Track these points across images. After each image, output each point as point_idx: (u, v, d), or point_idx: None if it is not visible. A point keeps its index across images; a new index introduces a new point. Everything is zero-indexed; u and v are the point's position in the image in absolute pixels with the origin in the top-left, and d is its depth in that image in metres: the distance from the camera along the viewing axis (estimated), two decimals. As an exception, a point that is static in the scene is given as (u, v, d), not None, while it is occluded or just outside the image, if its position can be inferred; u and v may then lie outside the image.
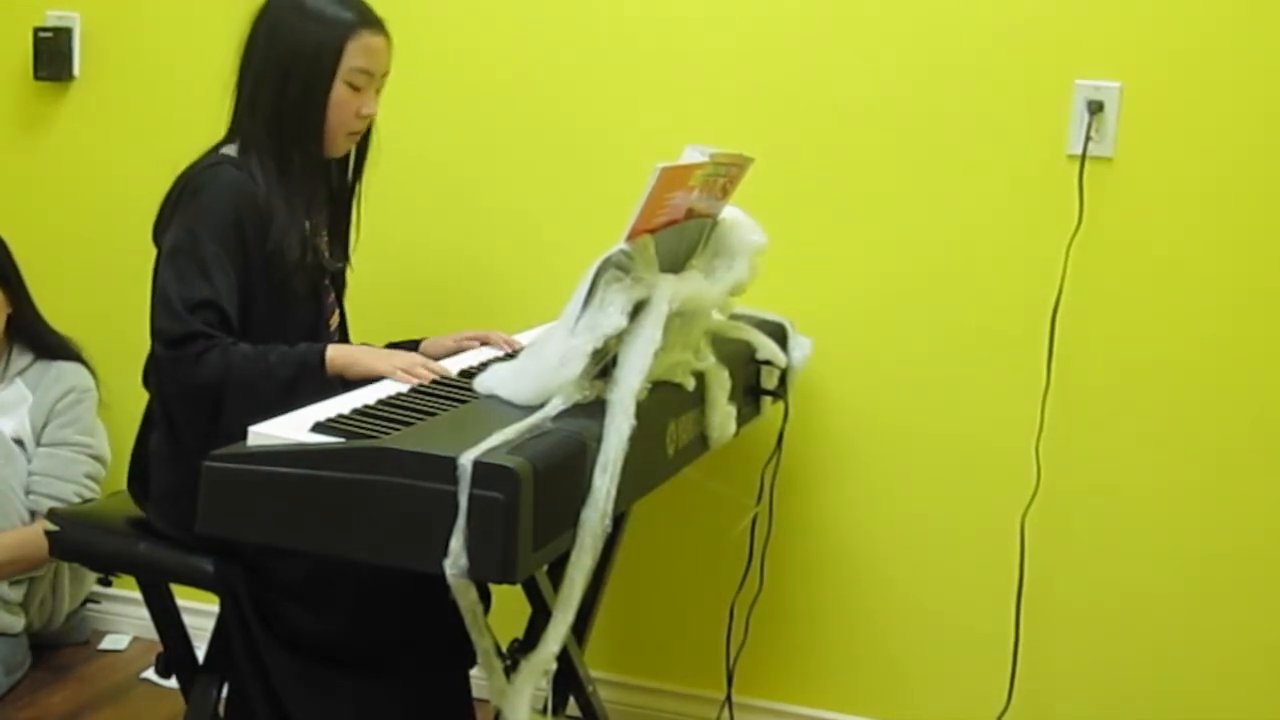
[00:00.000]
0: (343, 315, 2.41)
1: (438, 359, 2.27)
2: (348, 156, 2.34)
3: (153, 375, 2.17)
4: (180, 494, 2.06)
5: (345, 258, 2.38)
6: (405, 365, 2.06)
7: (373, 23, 2.23)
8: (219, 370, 2.03)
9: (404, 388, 2.00)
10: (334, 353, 2.10)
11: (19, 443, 2.87)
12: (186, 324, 2.04)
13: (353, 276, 2.44)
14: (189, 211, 2.12)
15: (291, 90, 2.18)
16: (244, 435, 1.74)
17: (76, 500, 2.82)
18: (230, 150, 2.21)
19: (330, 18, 2.19)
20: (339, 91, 2.20)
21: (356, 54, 2.20)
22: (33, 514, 2.82)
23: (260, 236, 2.14)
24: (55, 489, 2.85)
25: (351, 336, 2.44)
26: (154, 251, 2.17)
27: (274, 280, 2.16)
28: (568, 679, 2.45)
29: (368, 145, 2.35)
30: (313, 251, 2.24)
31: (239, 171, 2.16)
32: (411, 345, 2.40)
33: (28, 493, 2.85)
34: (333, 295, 2.36)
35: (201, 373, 2.03)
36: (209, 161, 2.19)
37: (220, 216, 2.11)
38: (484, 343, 2.36)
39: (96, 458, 2.93)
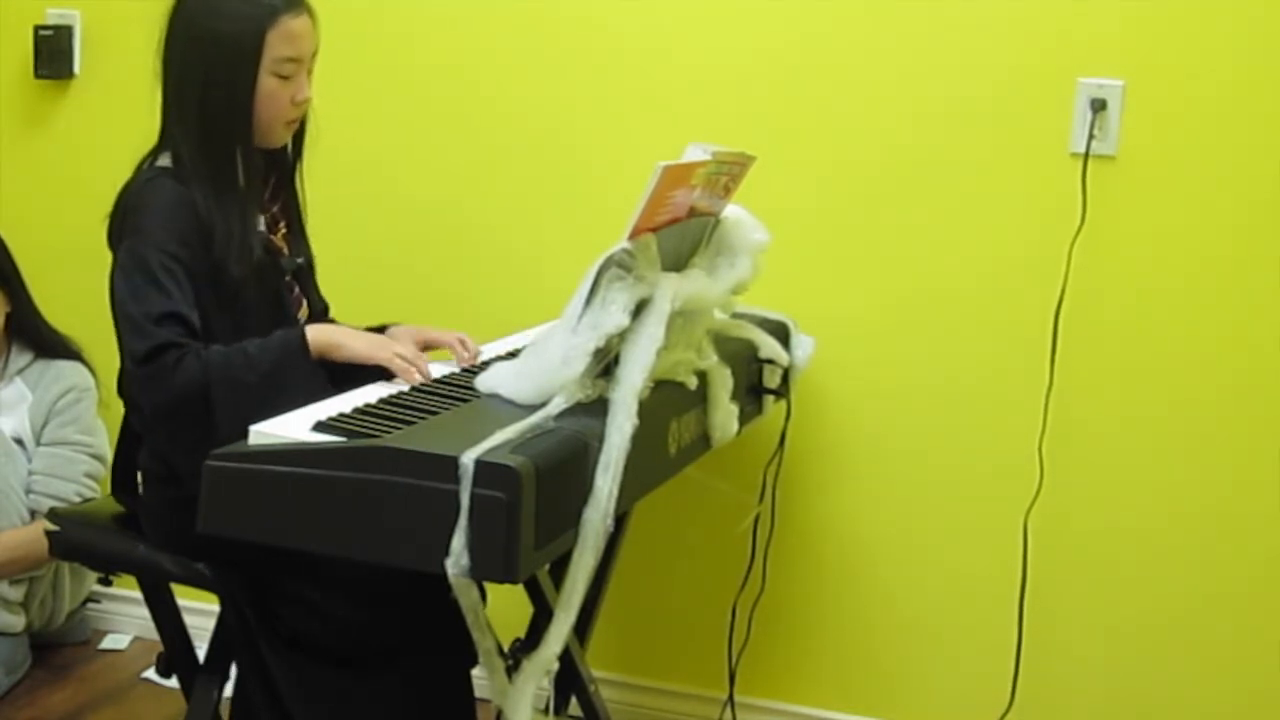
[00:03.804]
0: (314, 303, 2.32)
1: None
2: (292, 141, 2.24)
3: (132, 395, 2.10)
4: (176, 511, 2.04)
5: (304, 250, 2.29)
6: (403, 354, 2.02)
7: (291, 5, 2.08)
8: (197, 374, 1.95)
9: (405, 386, 1.99)
10: (315, 334, 2.04)
11: (19, 442, 2.87)
12: (155, 337, 1.97)
13: (328, 279, 2.37)
14: (131, 230, 2.05)
15: (214, 92, 2.07)
16: (232, 437, 1.72)
17: (77, 499, 2.82)
18: (165, 160, 2.12)
19: (244, 8, 2.06)
20: (267, 84, 2.08)
21: (278, 43, 2.06)
22: (33, 513, 2.82)
23: (205, 247, 2.06)
24: (55, 488, 2.84)
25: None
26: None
27: (226, 289, 2.09)
28: (570, 679, 2.45)
29: (305, 126, 2.23)
30: (266, 252, 2.17)
31: (176, 182, 2.08)
32: (377, 331, 2.32)
33: (28, 492, 2.84)
34: (298, 288, 2.27)
35: (180, 381, 1.95)
36: (146, 176, 2.11)
37: (164, 231, 2.03)
38: (448, 343, 2.26)
39: (97, 457, 2.92)
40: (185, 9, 2.11)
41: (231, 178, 2.11)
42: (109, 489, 2.37)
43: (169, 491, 2.10)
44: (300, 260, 2.27)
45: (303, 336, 2.03)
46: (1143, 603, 2.55)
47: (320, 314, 2.34)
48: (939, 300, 2.58)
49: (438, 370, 2.14)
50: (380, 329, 2.32)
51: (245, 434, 1.73)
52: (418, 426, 1.74)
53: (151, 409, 2.03)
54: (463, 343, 2.24)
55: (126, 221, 2.08)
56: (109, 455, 2.95)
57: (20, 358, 2.93)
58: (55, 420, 2.89)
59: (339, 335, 2.06)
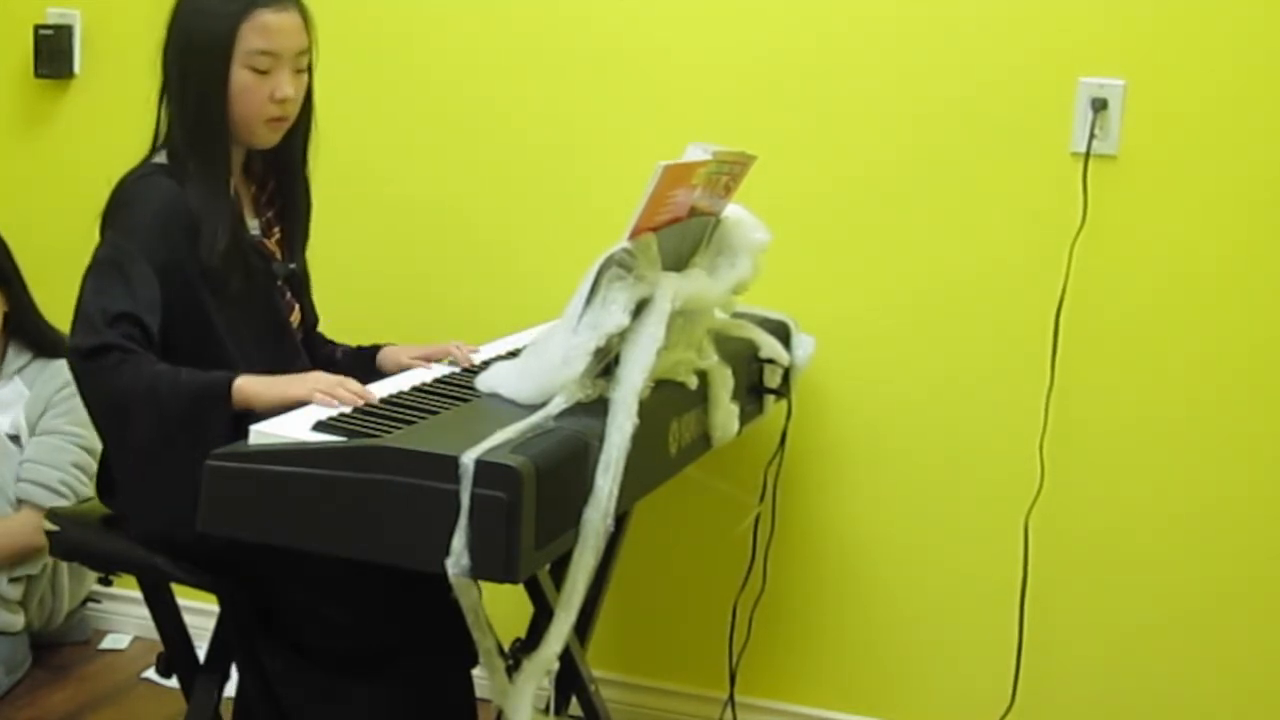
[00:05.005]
0: (306, 310, 2.31)
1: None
2: (294, 146, 2.21)
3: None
4: (158, 516, 2.03)
5: (299, 259, 2.27)
6: (325, 387, 1.90)
7: (271, 0, 2.09)
8: (130, 384, 1.92)
9: (405, 386, 1.99)
10: (244, 383, 1.93)
11: (15, 439, 2.87)
12: (102, 336, 1.94)
13: (318, 282, 2.35)
14: (116, 224, 2.05)
15: (191, 86, 2.08)
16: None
17: (62, 488, 2.81)
18: (161, 157, 2.13)
19: (224, 4, 2.07)
20: (241, 79, 2.07)
21: (252, 35, 2.06)
22: (20, 501, 2.81)
23: (193, 246, 2.05)
24: (41, 475, 2.83)
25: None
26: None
27: (215, 288, 2.07)
28: (570, 678, 2.45)
29: (308, 129, 2.21)
30: (258, 255, 2.16)
31: (170, 180, 2.07)
32: (370, 352, 2.33)
33: (17, 482, 2.83)
34: (289, 293, 2.25)
35: (115, 384, 1.93)
36: (141, 172, 2.11)
37: (147, 230, 2.03)
38: (442, 357, 2.25)
39: (87, 449, 2.88)
40: (175, 10, 2.13)
41: (217, 175, 2.10)
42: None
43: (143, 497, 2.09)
44: (293, 266, 2.25)
45: (229, 382, 1.93)
46: (1142, 603, 2.54)
47: (311, 327, 2.34)
48: (939, 300, 2.58)
49: (438, 372, 2.15)
50: (373, 351, 2.33)
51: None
52: (418, 426, 1.74)
53: (89, 407, 2.03)
54: (458, 348, 2.25)
55: (115, 216, 2.08)
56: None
57: (19, 357, 2.92)
58: (51, 412, 2.88)
59: (261, 386, 1.94)
